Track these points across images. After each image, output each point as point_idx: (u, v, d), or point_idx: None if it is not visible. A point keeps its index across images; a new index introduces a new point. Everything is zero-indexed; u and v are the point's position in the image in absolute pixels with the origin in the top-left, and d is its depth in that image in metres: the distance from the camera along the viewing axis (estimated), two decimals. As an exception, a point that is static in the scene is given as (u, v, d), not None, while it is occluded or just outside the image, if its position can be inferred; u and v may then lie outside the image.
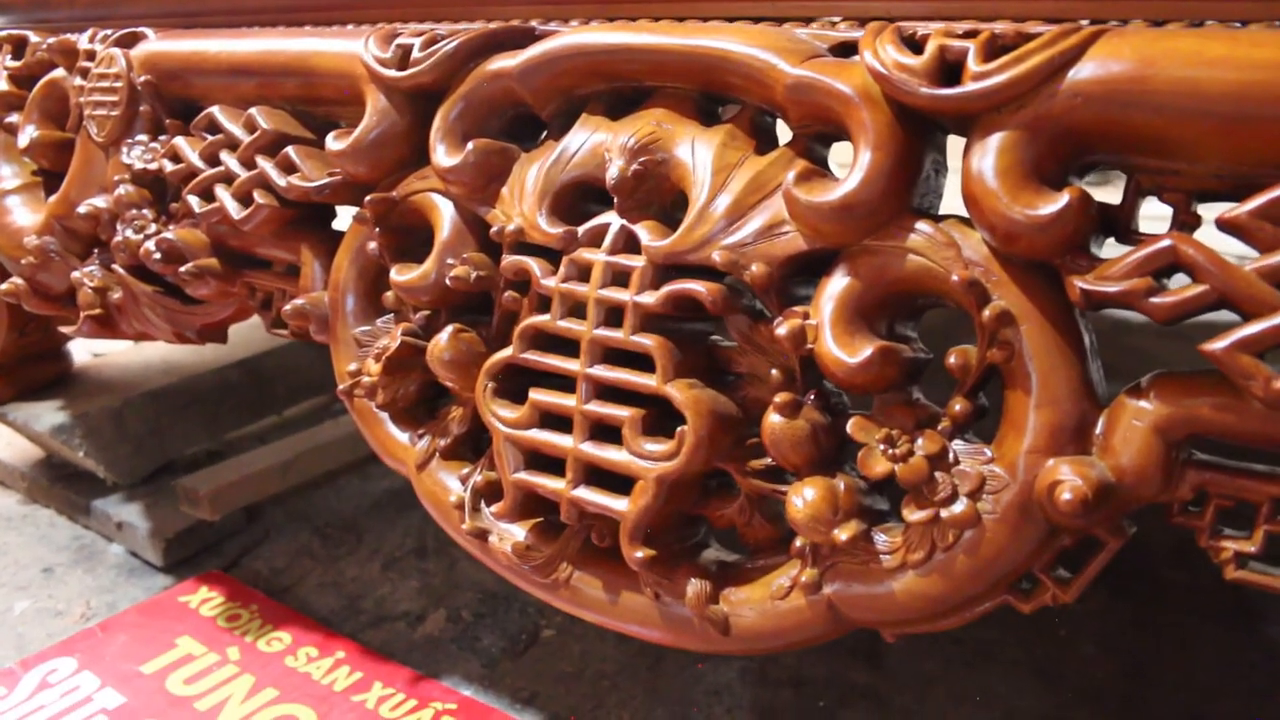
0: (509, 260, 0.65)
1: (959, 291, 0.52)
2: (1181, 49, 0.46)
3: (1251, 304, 0.45)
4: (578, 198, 0.66)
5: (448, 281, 0.68)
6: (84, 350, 1.52)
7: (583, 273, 0.63)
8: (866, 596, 0.57)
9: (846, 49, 0.57)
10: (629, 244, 0.62)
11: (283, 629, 1.06)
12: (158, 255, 0.85)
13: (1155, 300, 0.47)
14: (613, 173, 0.61)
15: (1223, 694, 0.94)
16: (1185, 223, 0.50)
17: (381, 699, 0.97)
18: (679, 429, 0.59)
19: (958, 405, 0.54)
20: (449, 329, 0.68)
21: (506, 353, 0.65)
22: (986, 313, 0.51)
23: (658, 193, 0.62)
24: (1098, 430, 0.52)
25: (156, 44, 0.88)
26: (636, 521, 0.60)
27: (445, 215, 0.71)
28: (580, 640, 1.06)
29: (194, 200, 0.83)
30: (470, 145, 0.67)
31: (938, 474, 0.54)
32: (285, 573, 1.19)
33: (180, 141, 0.84)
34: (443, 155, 0.68)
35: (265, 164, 0.78)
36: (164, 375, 1.34)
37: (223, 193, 0.80)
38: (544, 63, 0.65)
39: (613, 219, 0.62)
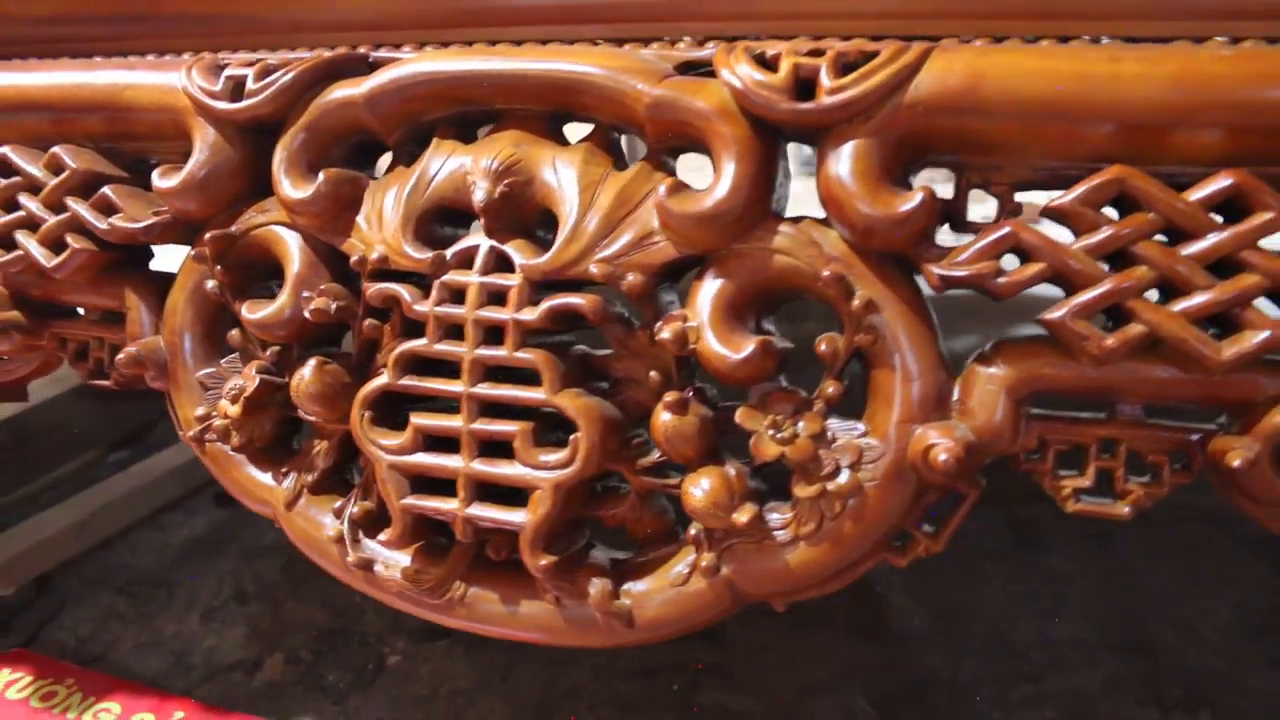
0: (376, 289, 0.65)
1: (825, 286, 0.58)
2: (1003, 63, 0.54)
3: (1080, 278, 0.53)
4: (437, 222, 0.67)
5: (307, 314, 0.67)
6: None
7: (455, 295, 0.64)
8: (762, 571, 0.62)
9: (691, 67, 0.62)
10: (500, 264, 0.63)
11: (109, 698, 0.99)
12: (-55, 312, 0.78)
13: (1001, 280, 0.55)
14: (479, 195, 0.63)
15: (1017, 617, 1.06)
16: (1010, 211, 0.58)
17: (234, 755, 0.93)
18: (572, 437, 0.61)
19: (830, 387, 0.59)
20: (313, 362, 0.67)
21: (382, 380, 0.65)
22: (855, 303, 0.57)
23: (523, 213, 0.64)
24: (954, 397, 0.59)
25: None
26: (537, 530, 0.62)
27: (294, 248, 0.69)
28: (428, 662, 1.05)
29: (-12, 249, 0.76)
30: (321, 176, 0.66)
31: (821, 451, 0.59)
32: (93, 640, 1.10)
33: (-37, 187, 0.77)
34: (289, 188, 0.67)
35: (78, 206, 0.73)
36: (-80, 444, 1.20)
37: (26, 240, 0.75)
38: (394, 89, 0.65)
39: (481, 240, 0.64)
